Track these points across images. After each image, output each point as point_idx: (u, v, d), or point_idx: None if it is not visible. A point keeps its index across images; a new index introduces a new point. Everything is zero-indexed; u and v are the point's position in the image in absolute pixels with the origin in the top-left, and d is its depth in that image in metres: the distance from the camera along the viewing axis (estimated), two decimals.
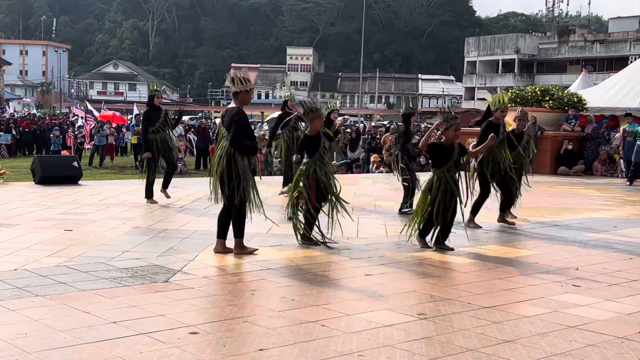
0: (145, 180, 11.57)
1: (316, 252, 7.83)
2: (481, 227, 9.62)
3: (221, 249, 7.50)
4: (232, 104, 7.47)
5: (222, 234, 7.54)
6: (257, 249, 7.57)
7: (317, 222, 8.16)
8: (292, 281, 6.44)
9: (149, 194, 11.53)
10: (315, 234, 8.15)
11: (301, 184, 8.06)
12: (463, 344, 4.77)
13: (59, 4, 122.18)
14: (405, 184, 10.85)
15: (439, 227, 8.07)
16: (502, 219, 10.04)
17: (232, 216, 7.43)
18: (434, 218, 7.97)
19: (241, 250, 7.46)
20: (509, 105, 10.15)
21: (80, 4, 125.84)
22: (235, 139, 7.17)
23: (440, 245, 8.10)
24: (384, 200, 12.51)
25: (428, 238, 8.20)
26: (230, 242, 7.52)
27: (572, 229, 10.03)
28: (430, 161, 8.21)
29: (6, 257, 7.06)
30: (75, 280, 6.16)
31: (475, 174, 9.60)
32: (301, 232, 8.13)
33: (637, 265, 7.67)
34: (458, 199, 8.03)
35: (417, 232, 8.17)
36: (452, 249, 8.05)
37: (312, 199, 7.99)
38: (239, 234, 7.48)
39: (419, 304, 5.77)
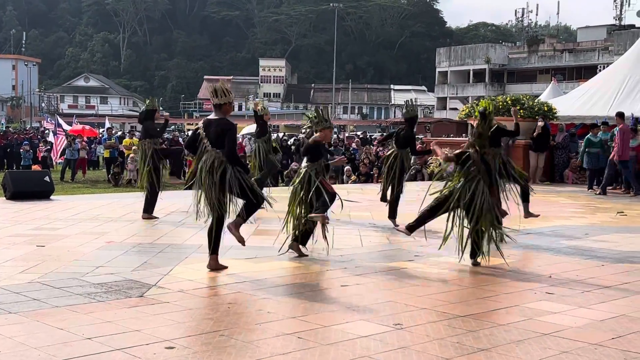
0: (146, 196, 11.22)
1: (292, 264, 7.83)
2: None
3: (215, 265, 7.34)
4: (214, 115, 7.36)
5: (215, 250, 7.38)
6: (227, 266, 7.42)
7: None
8: (268, 294, 6.43)
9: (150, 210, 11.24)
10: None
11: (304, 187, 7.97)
12: (439, 353, 4.79)
13: (29, 17, 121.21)
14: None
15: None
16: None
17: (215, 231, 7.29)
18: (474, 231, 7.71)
19: (216, 266, 7.36)
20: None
21: (50, 17, 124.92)
22: (233, 154, 7.16)
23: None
24: (358, 211, 12.54)
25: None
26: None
27: (544, 237, 10.13)
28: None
29: None
30: (49, 296, 6.10)
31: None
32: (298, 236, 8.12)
33: (610, 272, 7.76)
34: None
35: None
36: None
37: (329, 188, 7.95)
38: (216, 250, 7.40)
39: (395, 314, 5.79)
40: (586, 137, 17.98)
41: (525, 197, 10.72)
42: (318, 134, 8.22)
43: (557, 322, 5.64)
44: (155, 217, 11.19)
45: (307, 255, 8.18)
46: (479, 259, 7.87)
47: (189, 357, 4.62)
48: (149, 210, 11.27)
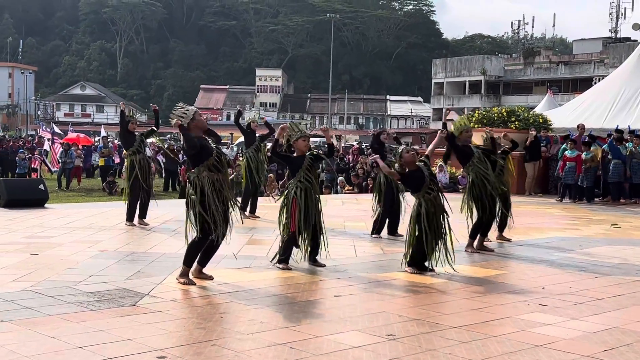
0: (127, 202, 11.55)
1: (285, 274, 7.83)
2: (491, 250, 9.77)
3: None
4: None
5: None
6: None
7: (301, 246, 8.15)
8: (261, 303, 6.42)
9: (130, 217, 11.46)
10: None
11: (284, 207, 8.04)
12: None
13: (26, 25, 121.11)
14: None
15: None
16: (481, 244, 9.80)
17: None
18: (424, 243, 7.84)
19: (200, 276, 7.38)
20: (476, 126, 10.17)
21: (47, 26, 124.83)
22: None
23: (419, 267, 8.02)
24: (352, 221, 12.54)
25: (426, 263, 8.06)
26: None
27: (539, 248, 10.14)
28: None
29: None
30: (41, 305, 6.09)
31: (466, 196, 9.65)
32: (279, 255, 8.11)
33: (603, 284, 7.77)
34: (444, 221, 8.01)
35: (407, 261, 8.04)
36: (432, 270, 8.01)
37: (292, 224, 7.94)
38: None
39: (388, 324, 5.79)
40: (561, 147, 18.21)
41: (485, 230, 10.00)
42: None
43: (549, 333, 5.64)
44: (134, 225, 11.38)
45: (324, 265, 8.24)
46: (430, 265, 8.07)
47: None
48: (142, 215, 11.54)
